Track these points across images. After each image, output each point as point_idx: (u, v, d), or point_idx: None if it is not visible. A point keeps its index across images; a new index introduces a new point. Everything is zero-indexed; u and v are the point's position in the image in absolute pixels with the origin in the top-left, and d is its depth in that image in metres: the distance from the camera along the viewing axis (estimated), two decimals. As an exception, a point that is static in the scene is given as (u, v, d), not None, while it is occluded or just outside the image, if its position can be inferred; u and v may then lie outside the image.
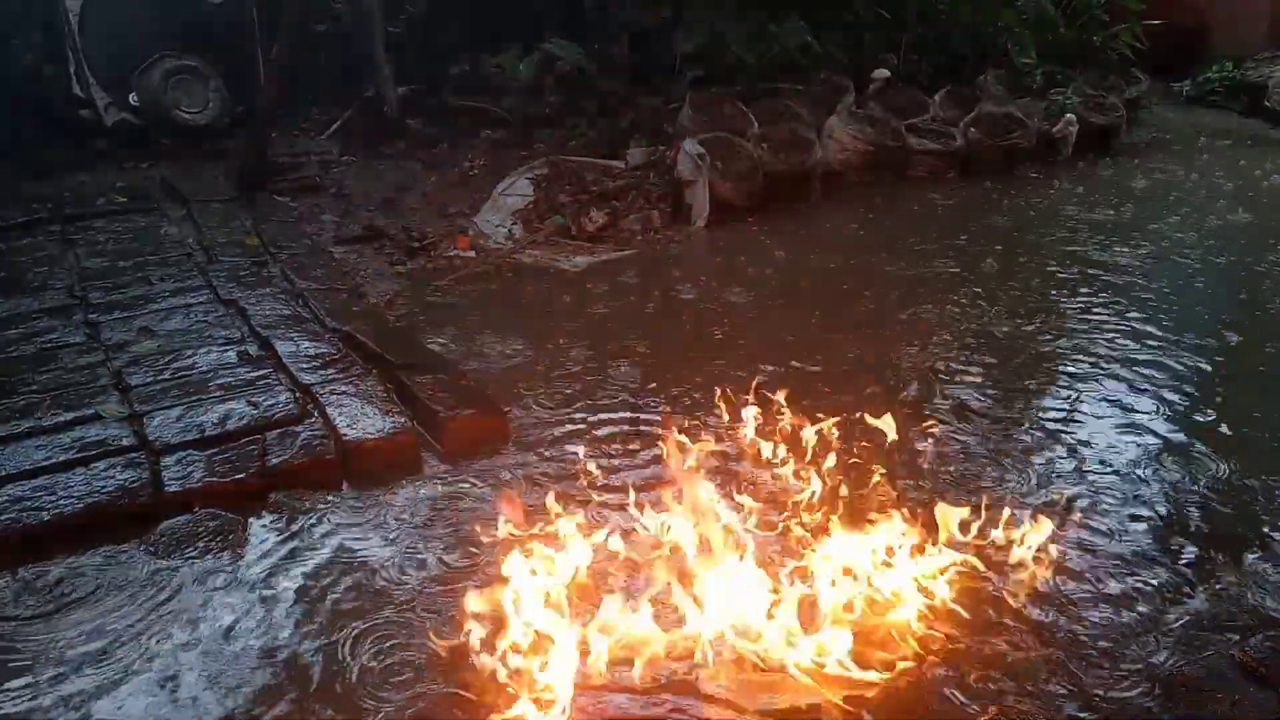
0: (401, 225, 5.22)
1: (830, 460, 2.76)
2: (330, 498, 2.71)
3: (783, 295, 4.43)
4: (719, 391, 3.17)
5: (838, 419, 2.90)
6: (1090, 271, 4.74)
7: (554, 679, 1.91)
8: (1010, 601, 2.27)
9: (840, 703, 1.95)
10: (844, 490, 2.68)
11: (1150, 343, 3.86)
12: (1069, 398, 3.38)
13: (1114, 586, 2.34)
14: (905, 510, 2.43)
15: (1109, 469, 2.89)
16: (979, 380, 3.51)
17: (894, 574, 2.22)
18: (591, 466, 2.82)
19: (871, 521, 2.40)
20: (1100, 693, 2.01)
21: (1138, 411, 3.27)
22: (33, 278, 4.22)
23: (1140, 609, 2.26)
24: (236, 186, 5.63)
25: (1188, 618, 2.23)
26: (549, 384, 3.46)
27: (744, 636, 2.07)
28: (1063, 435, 3.10)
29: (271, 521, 2.59)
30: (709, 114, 6.04)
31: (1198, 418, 3.25)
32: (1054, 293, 4.45)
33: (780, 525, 2.56)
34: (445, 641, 2.10)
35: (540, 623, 2.03)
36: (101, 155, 6.14)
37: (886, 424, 2.83)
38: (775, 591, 2.14)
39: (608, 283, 4.55)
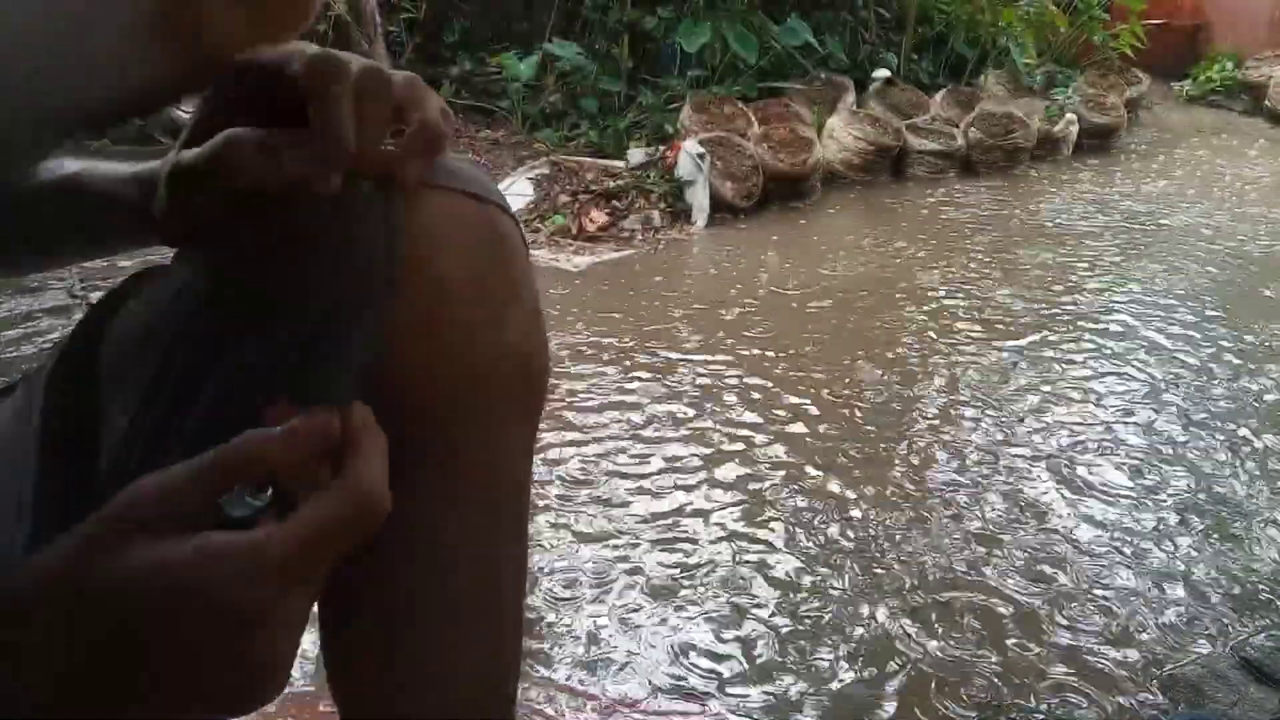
0: (402, 225, 5.21)
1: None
2: (330, 497, 2.70)
3: (782, 295, 4.43)
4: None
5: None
6: (1093, 267, 4.75)
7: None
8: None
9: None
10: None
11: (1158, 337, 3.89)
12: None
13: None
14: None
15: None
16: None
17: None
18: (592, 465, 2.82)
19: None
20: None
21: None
22: (32, 278, 4.22)
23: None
24: (236, 186, 5.62)
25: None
26: (549, 383, 3.45)
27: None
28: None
29: (271, 521, 2.59)
30: (709, 114, 6.05)
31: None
32: (1057, 292, 4.45)
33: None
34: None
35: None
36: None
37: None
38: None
39: (608, 282, 4.55)
